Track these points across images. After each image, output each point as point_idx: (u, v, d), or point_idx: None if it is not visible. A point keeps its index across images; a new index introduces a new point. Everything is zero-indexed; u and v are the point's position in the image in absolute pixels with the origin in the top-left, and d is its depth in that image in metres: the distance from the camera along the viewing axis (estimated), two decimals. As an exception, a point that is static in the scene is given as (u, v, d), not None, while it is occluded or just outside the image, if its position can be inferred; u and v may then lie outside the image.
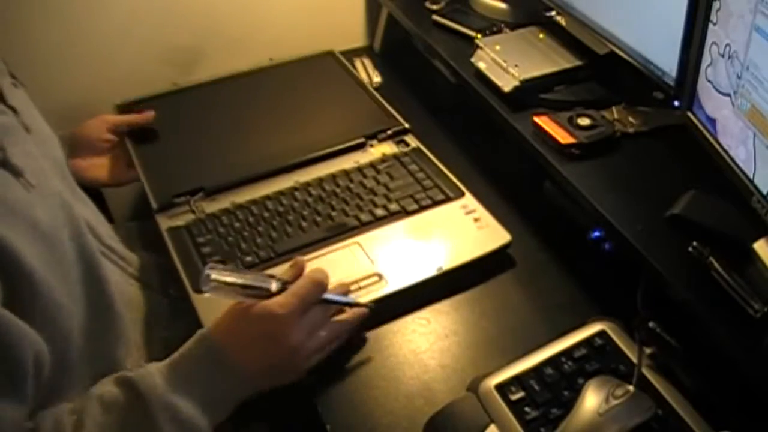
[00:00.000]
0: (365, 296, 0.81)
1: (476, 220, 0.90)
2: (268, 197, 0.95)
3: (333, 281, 0.78)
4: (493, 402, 0.70)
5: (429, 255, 0.86)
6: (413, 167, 0.99)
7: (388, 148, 1.04)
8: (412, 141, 1.05)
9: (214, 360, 0.69)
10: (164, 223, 0.93)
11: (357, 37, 1.38)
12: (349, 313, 0.77)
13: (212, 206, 0.95)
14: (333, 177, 0.98)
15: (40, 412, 0.65)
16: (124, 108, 1.11)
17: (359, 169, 0.99)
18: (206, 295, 0.71)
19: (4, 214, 0.64)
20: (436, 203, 0.94)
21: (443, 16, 1.18)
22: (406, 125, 1.07)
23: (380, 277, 0.83)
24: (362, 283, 0.82)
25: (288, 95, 1.15)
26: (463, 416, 0.69)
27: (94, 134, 1.02)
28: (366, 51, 1.37)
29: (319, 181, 0.97)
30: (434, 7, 1.22)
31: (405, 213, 0.92)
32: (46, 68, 1.13)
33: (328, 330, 0.75)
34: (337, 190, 0.95)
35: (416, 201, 0.93)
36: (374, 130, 1.06)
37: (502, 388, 0.70)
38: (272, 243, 0.89)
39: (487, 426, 0.68)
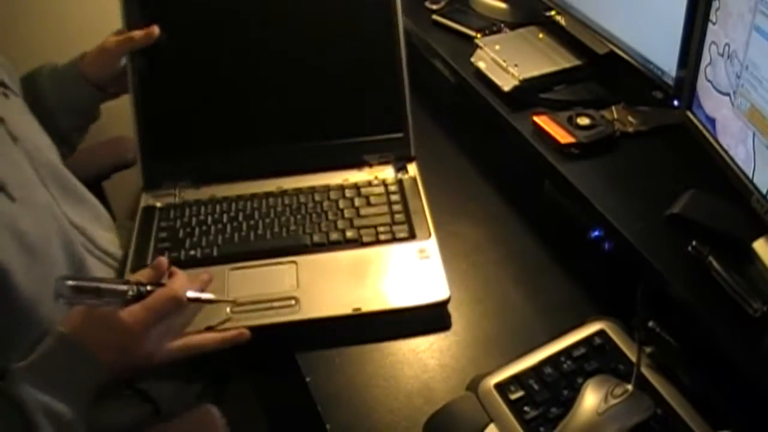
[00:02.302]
0: (274, 317, 0.79)
1: (424, 267, 0.85)
2: (244, 197, 0.94)
3: (246, 294, 0.79)
4: (493, 401, 0.70)
5: (354, 292, 0.82)
6: (395, 197, 0.94)
7: (385, 172, 0.98)
8: (413, 170, 0.98)
9: (68, 352, 0.69)
10: (144, 200, 0.94)
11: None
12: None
13: (194, 194, 0.96)
14: (312, 190, 0.95)
15: None
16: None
17: (342, 188, 0.95)
18: (62, 303, 0.69)
19: None
20: (396, 240, 0.88)
21: (443, 15, 1.18)
22: (413, 152, 0.99)
23: (296, 301, 0.81)
24: (275, 303, 0.80)
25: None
26: (462, 415, 0.69)
27: (100, 73, 0.96)
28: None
29: (297, 192, 0.95)
30: (434, 6, 1.22)
31: (359, 243, 0.88)
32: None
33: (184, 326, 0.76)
34: (309, 205, 0.93)
35: (377, 233, 0.89)
36: (380, 148, 0.99)
37: (502, 388, 0.70)
38: (220, 244, 0.88)
39: (486, 425, 0.68)
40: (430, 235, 0.89)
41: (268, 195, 0.95)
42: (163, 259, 0.79)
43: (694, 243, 0.73)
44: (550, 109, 0.95)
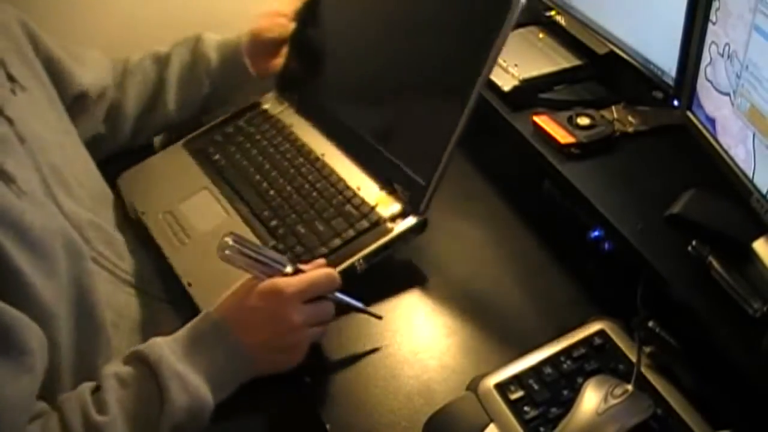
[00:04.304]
0: None
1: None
2: (295, 143, 0.99)
3: None
4: (493, 401, 0.70)
5: None
6: (366, 237, 0.84)
7: (393, 206, 0.86)
8: (406, 225, 0.84)
9: (215, 334, 0.71)
10: (264, 99, 1.08)
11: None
12: None
13: (285, 113, 1.05)
14: (330, 176, 0.92)
15: (63, 397, 0.67)
16: None
17: (351, 195, 0.89)
18: (224, 254, 0.73)
19: None
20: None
21: (443, 16, 1.18)
22: (422, 208, 0.84)
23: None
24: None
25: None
26: (462, 415, 0.69)
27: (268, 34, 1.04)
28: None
29: (321, 169, 0.93)
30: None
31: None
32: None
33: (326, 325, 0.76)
34: (313, 193, 0.91)
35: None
36: (399, 179, 0.88)
37: (502, 388, 0.70)
38: (230, 166, 0.97)
39: (486, 425, 0.68)
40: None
41: (307, 155, 0.97)
42: (323, 260, 0.80)
43: (694, 243, 0.73)
44: (550, 109, 0.95)
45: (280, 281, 0.73)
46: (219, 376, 0.70)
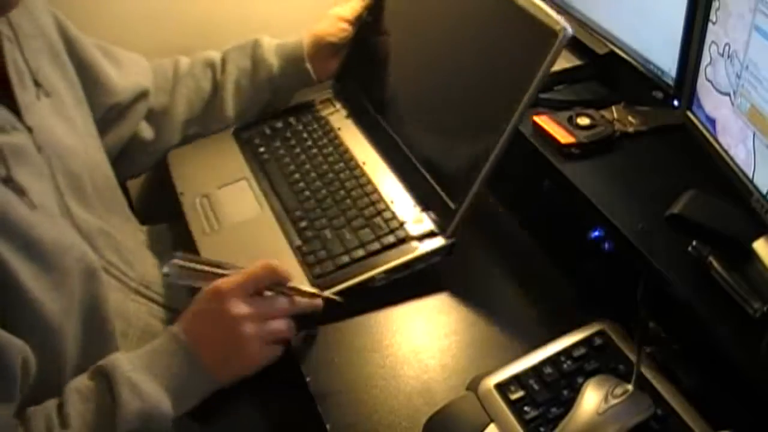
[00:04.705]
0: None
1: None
2: (338, 147, 1.00)
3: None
4: (493, 401, 0.70)
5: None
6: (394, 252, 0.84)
7: (421, 221, 0.87)
8: (433, 245, 0.85)
9: (171, 345, 0.72)
10: (322, 92, 1.10)
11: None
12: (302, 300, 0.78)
13: (336, 115, 1.08)
14: (365, 184, 0.93)
15: (30, 411, 0.67)
16: None
17: (382, 208, 0.90)
18: (169, 280, 0.76)
19: (2, 232, 0.65)
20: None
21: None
22: (450, 232, 0.84)
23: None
24: None
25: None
26: (462, 415, 0.69)
27: (328, 31, 1.05)
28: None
29: (360, 177, 0.95)
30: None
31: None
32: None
33: (281, 319, 0.76)
34: (347, 200, 0.92)
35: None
36: (430, 200, 0.89)
37: (502, 388, 0.70)
38: (271, 158, 1.00)
39: (486, 425, 0.68)
40: None
41: (348, 161, 0.98)
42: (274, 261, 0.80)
43: (694, 243, 0.73)
44: (551, 109, 0.95)
45: (218, 281, 0.74)
46: (178, 385, 0.70)
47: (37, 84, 0.80)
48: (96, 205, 0.84)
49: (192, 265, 0.76)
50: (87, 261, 0.74)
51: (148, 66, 1.03)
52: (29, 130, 0.75)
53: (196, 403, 0.72)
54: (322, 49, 1.05)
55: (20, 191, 0.69)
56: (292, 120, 1.08)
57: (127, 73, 0.99)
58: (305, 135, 1.04)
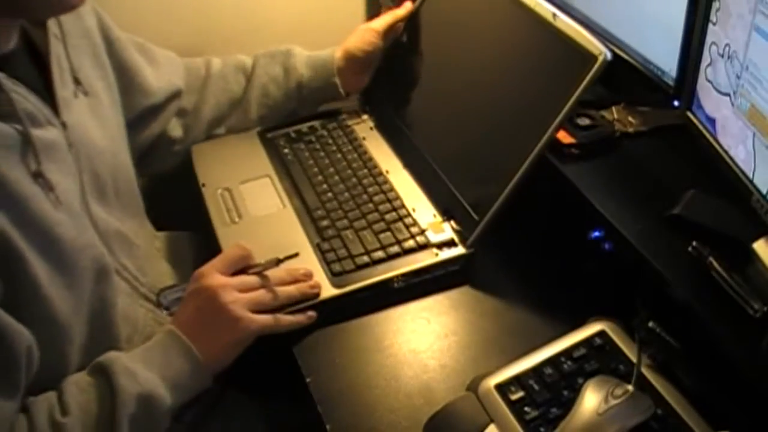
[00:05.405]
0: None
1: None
2: (364, 159, 1.01)
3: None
4: (493, 402, 0.70)
5: None
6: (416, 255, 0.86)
7: (442, 230, 0.88)
8: (454, 253, 0.86)
9: (168, 340, 0.75)
10: (350, 101, 1.10)
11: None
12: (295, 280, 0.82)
13: (360, 125, 1.09)
14: (389, 192, 0.94)
15: (31, 399, 0.68)
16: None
17: (404, 215, 0.90)
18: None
19: (24, 225, 0.65)
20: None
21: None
22: (470, 242, 0.86)
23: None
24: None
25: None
26: (462, 416, 0.69)
27: (359, 44, 1.07)
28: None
29: (383, 184, 0.96)
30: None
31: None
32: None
33: (264, 290, 0.80)
34: (369, 205, 0.93)
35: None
36: (454, 211, 0.90)
37: (502, 388, 0.70)
38: (294, 159, 1.02)
39: (486, 425, 0.68)
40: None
41: (372, 169, 0.99)
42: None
43: (694, 243, 0.73)
44: (550, 110, 0.95)
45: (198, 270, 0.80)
46: (174, 374, 0.72)
47: (76, 82, 0.80)
48: (115, 207, 0.84)
49: (178, 290, 0.82)
50: (102, 262, 0.74)
51: (181, 64, 1.05)
52: (63, 126, 0.75)
53: (193, 395, 0.74)
54: (352, 63, 1.06)
55: (48, 187, 0.69)
56: (317, 126, 1.09)
57: (163, 72, 1.00)
58: (330, 141, 1.05)
